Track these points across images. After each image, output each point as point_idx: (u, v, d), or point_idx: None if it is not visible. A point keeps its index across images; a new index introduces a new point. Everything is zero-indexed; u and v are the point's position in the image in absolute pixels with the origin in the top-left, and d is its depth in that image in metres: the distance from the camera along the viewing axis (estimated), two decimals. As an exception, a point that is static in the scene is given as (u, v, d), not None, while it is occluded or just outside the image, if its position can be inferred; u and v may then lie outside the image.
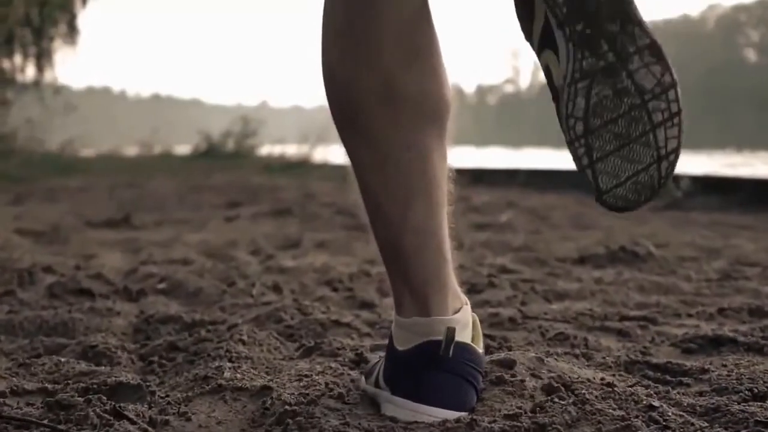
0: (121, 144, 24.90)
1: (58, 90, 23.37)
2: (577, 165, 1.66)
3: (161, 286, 3.05)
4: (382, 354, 1.84)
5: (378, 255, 1.80)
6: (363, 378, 1.83)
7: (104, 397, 1.62)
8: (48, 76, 26.80)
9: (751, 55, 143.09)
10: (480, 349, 1.73)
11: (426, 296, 1.71)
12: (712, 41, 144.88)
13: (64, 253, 4.31)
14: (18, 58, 26.79)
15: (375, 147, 1.72)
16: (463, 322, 1.71)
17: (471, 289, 2.93)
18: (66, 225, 5.90)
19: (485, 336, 2.02)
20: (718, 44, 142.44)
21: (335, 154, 17.78)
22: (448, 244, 1.80)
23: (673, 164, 1.64)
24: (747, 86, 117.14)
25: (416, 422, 1.60)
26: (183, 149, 21.23)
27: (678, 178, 8.71)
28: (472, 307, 1.83)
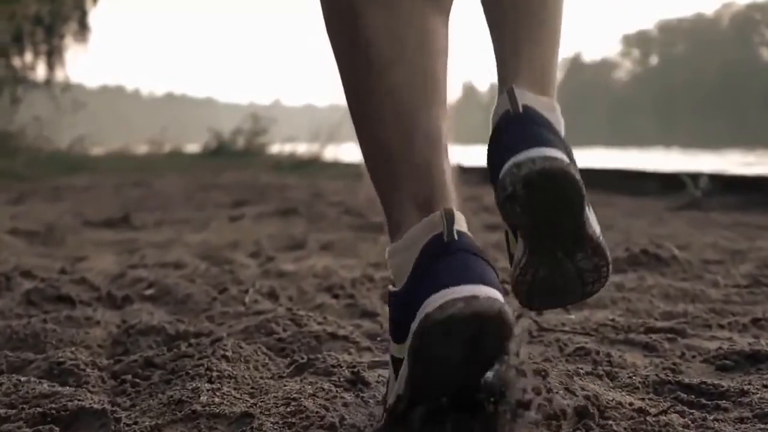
0: (132, 142, 24.79)
1: (67, 88, 23.24)
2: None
3: (149, 291, 2.83)
4: (383, 372, 1.73)
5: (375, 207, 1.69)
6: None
7: (57, 429, 1.41)
8: (59, 74, 26.71)
9: (765, 53, 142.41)
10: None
11: (431, 201, 1.57)
12: (726, 39, 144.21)
13: (54, 254, 4.10)
14: (29, 56, 26.72)
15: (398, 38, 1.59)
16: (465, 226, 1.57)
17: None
18: (63, 225, 5.70)
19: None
20: (732, 43, 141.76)
21: (346, 152, 17.64)
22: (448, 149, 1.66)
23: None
24: (761, 85, 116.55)
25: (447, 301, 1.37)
26: (194, 147, 21.09)
27: (696, 177, 8.49)
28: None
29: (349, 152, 18.19)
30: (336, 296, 2.76)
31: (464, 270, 1.46)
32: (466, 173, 11.56)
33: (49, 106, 21.07)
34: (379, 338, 2.23)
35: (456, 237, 1.49)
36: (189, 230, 5.70)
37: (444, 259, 1.46)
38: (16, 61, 26.44)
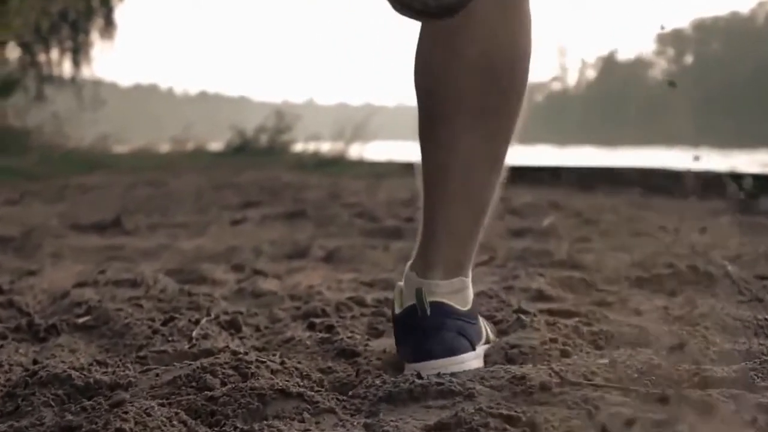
0: (156, 140, 24.44)
1: (94, 84, 22.90)
2: None
3: (83, 320, 2.30)
4: None
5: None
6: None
7: None
8: (85, 71, 26.39)
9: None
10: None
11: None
12: (762, 38, 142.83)
13: (7, 265, 3.59)
14: (54, 53, 26.41)
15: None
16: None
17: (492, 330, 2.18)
18: (46, 229, 5.20)
19: (502, 415, 1.47)
20: (767, 41, 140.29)
21: (371, 150, 17.14)
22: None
23: None
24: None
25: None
26: (218, 146, 20.69)
27: (739, 178, 7.93)
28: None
29: (375, 150, 17.73)
30: (312, 326, 2.22)
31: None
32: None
33: (71, 104, 20.72)
34: (350, 393, 1.70)
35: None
36: (185, 235, 5.20)
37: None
38: (42, 58, 26.16)
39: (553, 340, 1.96)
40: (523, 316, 2.13)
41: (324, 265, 3.87)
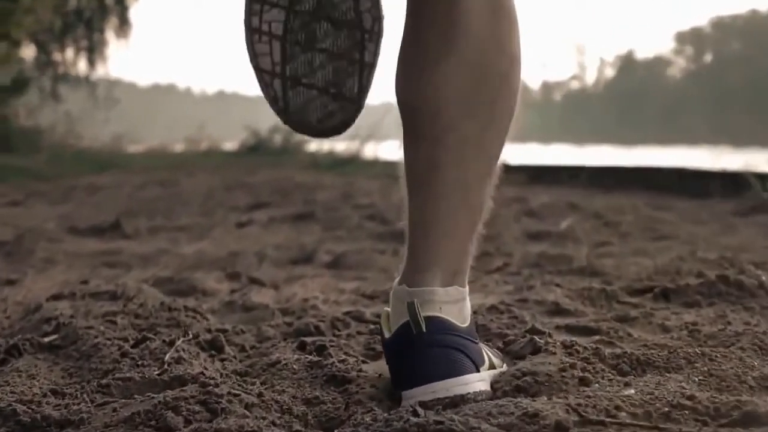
0: (171, 140, 24.29)
1: (109, 84, 22.77)
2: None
3: (50, 339, 2.07)
4: None
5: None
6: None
7: None
8: (100, 70, 26.28)
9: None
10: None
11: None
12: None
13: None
14: (69, 52, 26.30)
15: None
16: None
17: (504, 350, 1.94)
18: (42, 232, 4.98)
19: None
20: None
21: (387, 150, 16.90)
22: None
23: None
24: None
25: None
26: (233, 145, 20.50)
27: (764, 177, 7.68)
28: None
29: (390, 150, 17.50)
30: (303, 346, 1.98)
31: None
32: (512, 172, 10.82)
33: (85, 103, 20.55)
34: None
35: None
36: (186, 239, 4.99)
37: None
38: (57, 57, 26.04)
39: (572, 366, 1.72)
40: (537, 338, 1.89)
41: (327, 271, 3.66)
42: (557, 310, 2.40)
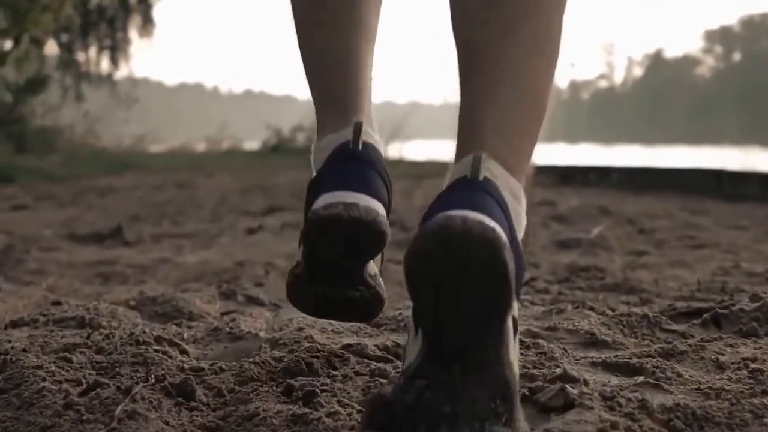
0: (194, 140, 24.11)
1: (117, 83, 22.59)
2: None
3: (-9, 381, 1.74)
4: None
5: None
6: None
7: None
8: (123, 69, 26.15)
9: None
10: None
11: (344, 109, 1.78)
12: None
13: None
14: (93, 51, 26.16)
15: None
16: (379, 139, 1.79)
17: (531, 400, 1.60)
18: (37, 240, 4.68)
19: None
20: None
21: (412, 150, 16.60)
22: (370, 78, 1.84)
23: None
24: None
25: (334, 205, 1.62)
26: (255, 145, 20.29)
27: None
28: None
29: (416, 150, 17.18)
30: (289, 392, 1.64)
31: (357, 178, 1.67)
32: (540, 173, 10.46)
33: (106, 102, 20.35)
34: None
35: (360, 147, 1.71)
36: (191, 246, 4.67)
37: (344, 165, 1.70)
38: (80, 56, 25.89)
39: (613, 426, 1.39)
40: (569, 387, 1.55)
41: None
42: (592, 341, 2.06)
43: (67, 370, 1.73)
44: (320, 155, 1.75)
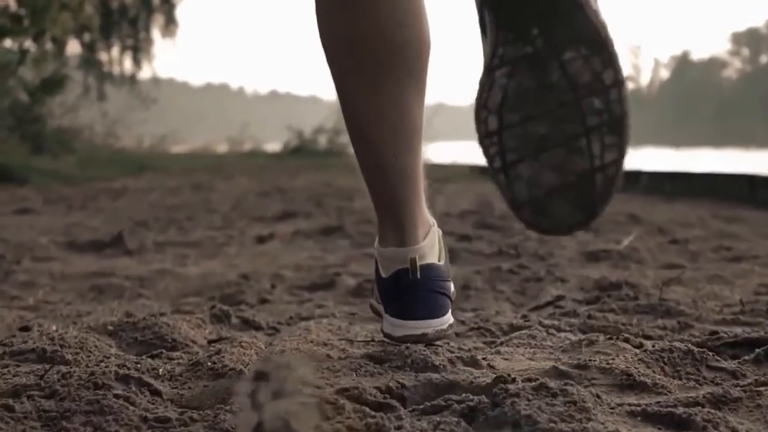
0: (217, 141, 23.96)
1: (137, 83, 22.48)
2: (489, 167, 1.59)
3: None
4: None
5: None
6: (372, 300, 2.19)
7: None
8: (146, 69, 26.09)
9: None
10: (442, 261, 2.00)
11: (403, 228, 1.94)
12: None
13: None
14: (115, 51, 26.05)
15: (374, 98, 1.84)
16: (430, 244, 1.97)
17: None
18: (32, 248, 4.42)
19: None
20: None
21: (435, 152, 16.28)
22: (422, 182, 1.97)
23: (612, 179, 1.52)
24: None
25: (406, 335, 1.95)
26: (277, 146, 20.10)
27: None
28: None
29: (439, 152, 16.89)
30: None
31: (421, 307, 1.95)
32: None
33: (124, 102, 20.19)
34: None
35: (419, 276, 1.93)
36: (196, 256, 4.41)
37: (406, 292, 1.94)
38: (103, 56, 25.75)
39: None
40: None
41: (346, 303, 3.08)
42: (629, 383, 1.77)
43: (8, 422, 1.46)
44: (385, 263, 1.99)
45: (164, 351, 2.10)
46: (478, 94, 1.52)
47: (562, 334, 2.32)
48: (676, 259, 4.22)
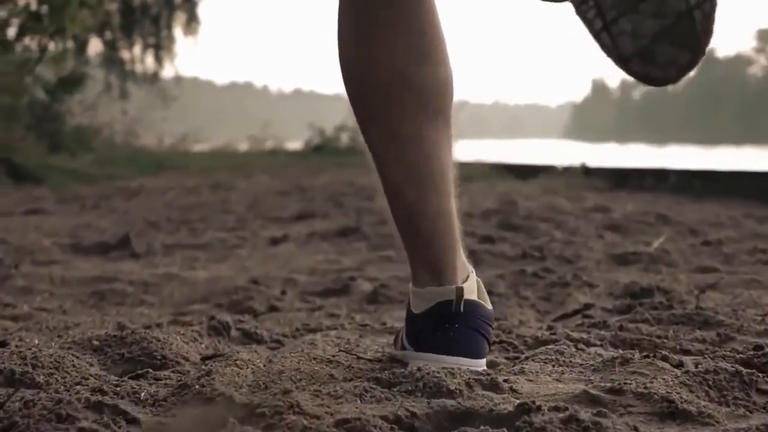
0: (239, 139, 23.83)
1: (158, 81, 22.34)
2: (590, 31, 1.60)
3: None
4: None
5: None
6: (393, 347, 2.08)
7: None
8: (167, 67, 25.97)
9: None
10: (488, 306, 1.92)
11: (439, 270, 1.87)
12: None
13: None
14: (137, 49, 25.93)
15: (394, 142, 1.86)
16: (470, 288, 1.88)
17: None
18: (33, 251, 4.23)
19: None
20: None
21: (460, 150, 16.05)
22: (456, 224, 1.91)
23: (709, 14, 1.56)
24: None
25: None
26: (299, 144, 19.94)
27: None
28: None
29: (462, 150, 16.68)
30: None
31: (462, 344, 1.86)
32: (592, 176, 9.94)
33: (145, 101, 20.07)
34: None
35: (462, 310, 1.85)
36: (206, 259, 4.23)
37: (449, 328, 1.86)
38: (125, 54, 25.63)
39: None
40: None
41: (360, 310, 2.89)
42: (671, 410, 1.55)
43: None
44: (421, 302, 1.89)
45: (151, 370, 1.89)
46: None
47: (592, 350, 2.10)
48: (709, 262, 4.00)
